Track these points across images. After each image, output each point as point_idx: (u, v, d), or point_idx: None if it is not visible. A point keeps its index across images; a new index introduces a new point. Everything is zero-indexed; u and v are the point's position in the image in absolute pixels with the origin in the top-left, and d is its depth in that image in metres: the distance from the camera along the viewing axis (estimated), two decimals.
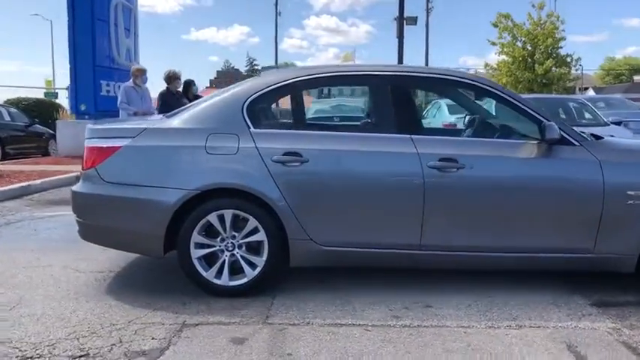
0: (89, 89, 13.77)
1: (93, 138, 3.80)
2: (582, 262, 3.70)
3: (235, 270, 3.66)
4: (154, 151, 3.68)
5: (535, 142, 3.67)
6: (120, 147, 3.67)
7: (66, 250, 4.76)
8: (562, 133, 3.62)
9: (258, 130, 3.67)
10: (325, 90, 4.25)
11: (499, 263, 3.73)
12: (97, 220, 3.77)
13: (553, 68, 24.46)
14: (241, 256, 3.64)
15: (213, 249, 3.64)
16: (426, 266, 3.79)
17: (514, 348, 2.94)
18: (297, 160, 3.58)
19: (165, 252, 3.66)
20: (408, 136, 3.65)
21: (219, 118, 3.74)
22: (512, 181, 3.64)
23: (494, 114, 4.74)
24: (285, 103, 4.02)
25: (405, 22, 21.88)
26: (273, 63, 36.52)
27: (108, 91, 14.13)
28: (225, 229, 3.61)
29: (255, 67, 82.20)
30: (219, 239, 3.63)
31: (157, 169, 3.65)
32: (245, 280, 3.64)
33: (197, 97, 9.42)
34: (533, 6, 24.75)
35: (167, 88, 8.63)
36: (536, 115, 3.70)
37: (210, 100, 3.88)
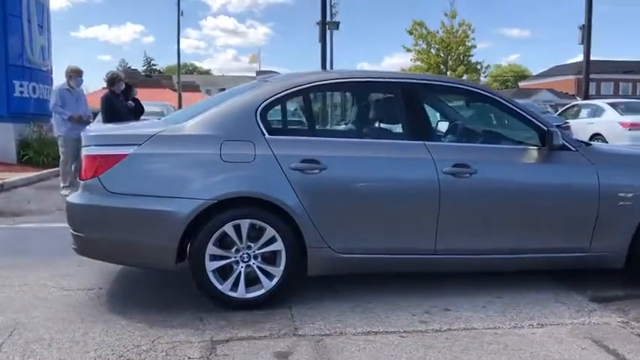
0: (2, 90, 12.70)
1: (93, 145, 3.52)
2: (579, 261, 3.92)
3: (250, 281, 3.53)
4: (166, 159, 3.48)
5: (536, 147, 3.85)
6: (126, 155, 3.43)
7: (34, 266, 4.38)
8: (563, 139, 3.82)
9: (273, 137, 3.56)
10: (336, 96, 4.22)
11: (506, 264, 3.87)
12: (100, 234, 3.49)
13: (465, 75, 25.76)
14: (258, 267, 3.52)
15: (229, 260, 3.50)
16: (439, 270, 3.86)
17: (549, 347, 3.05)
18: (316, 168, 3.52)
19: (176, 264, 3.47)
20: (422, 142, 3.71)
21: (232, 124, 3.59)
22: (519, 185, 3.79)
23: (494, 121, 4.91)
24: (300, 108, 3.94)
25: (327, 26, 22.30)
26: (171, 63, 35.47)
27: (22, 92, 13.12)
28: (241, 240, 3.48)
29: (154, 67, 77.17)
30: (234, 250, 3.49)
31: (168, 179, 3.45)
32: (262, 291, 3.52)
33: (136, 100, 9.02)
34: (446, 14, 26.03)
35: (111, 90, 8.15)
36: (538, 123, 3.88)
37: (221, 106, 3.71)
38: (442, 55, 25.53)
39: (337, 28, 23.10)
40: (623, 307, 3.70)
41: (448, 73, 25.55)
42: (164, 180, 3.45)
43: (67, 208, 3.58)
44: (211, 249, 3.44)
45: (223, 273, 3.49)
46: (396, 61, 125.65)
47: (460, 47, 25.18)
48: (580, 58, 25.78)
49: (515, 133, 4.05)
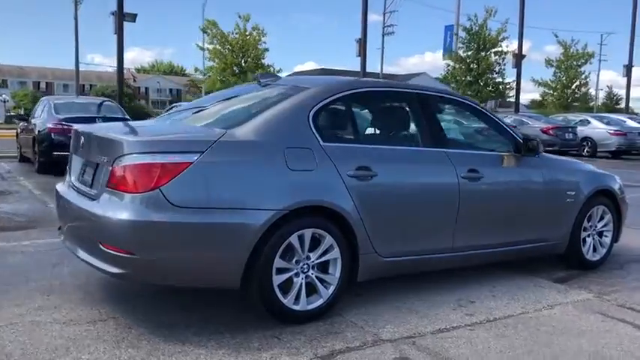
0: None
1: (146, 153, 3.04)
2: (542, 249, 4.66)
3: (307, 293, 3.44)
4: (232, 167, 3.19)
5: (510, 153, 4.45)
6: (189, 163, 3.05)
7: None
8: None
9: (328, 144, 3.52)
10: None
11: (502, 256, 4.42)
12: (161, 254, 3.04)
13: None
14: (316, 277, 3.45)
15: (291, 273, 3.36)
16: (457, 266, 4.24)
17: (578, 323, 3.62)
18: (368, 175, 3.59)
19: None
20: (444, 150, 4.03)
21: (289, 130, 3.45)
22: (511, 185, 4.39)
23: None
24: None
25: (124, 17, 20.86)
26: None
27: None
28: (303, 250, 3.37)
29: None
30: (294, 261, 3.36)
31: (236, 188, 3.18)
32: (321, 301, 3.46)
33: None
34: (240, 17, 26.38)
35: None
36: (514, 134, 4.51)
37: (272, 110, 3.50)
38: (235, 56, 25.88)
39: (134, 20, 21.71)
40: (581, 285, 4.50)
41: (247, 73, 26.07)
42: (232, 190, 3.17)
43: (107, 225, 3.03)
44: (278, 262, 3.28)
45: (285, 287, 3.34)
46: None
47: (255, 50, 25.89)
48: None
49: (491, 141, 4.60)
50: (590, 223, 4.92)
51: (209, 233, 3.09)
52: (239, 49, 25.68)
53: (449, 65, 32.77)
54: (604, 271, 4.93)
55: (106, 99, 14.19)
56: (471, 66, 31.41)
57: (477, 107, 4.56)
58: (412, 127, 4.03)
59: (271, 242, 3.22)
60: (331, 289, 3.49)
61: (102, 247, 3.08)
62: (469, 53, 31.73)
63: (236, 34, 26.12)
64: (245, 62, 26.28)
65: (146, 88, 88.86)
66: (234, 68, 26.28)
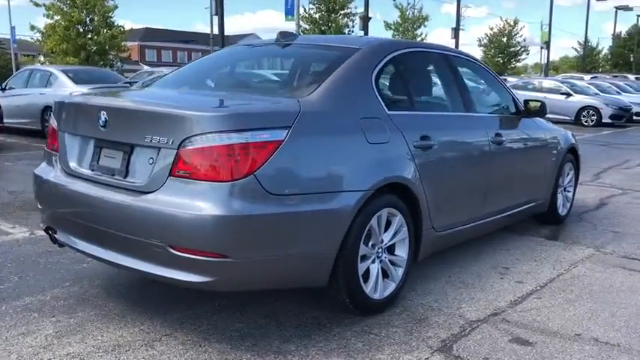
0: None
1: (230, 131, 2.40)
2: (535, 209, 4.77)
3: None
4: (319, 143, 2.71)
5: (517, 115, 4.43)
6: (280, 141, 2.50)
7: None
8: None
9: (393, 113, 3.15)
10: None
11: (515, 218, 4.45)
12: (259, 253, 2.49)
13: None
14: (389, 260, 3.12)
15: (370, 260, 2.99)
16: (487, 232, 4.15)
17: (613, 279, 3.75)
18: (429, 145, 3.30)
19: None
20: (477, 115, 3.88)
21: (359, 98, 3.01)
22: (523, 145, 4.41)
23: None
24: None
25: None
26: None
27: None
28: (380, 232, 3.01)
29: None
30: (370, 246, 2.99)
31: (326, 169, 2.72)
32: (393, 286, 3.16)
33: None
34: None
35: None
36: (514, 95, 4.48)
37: (336, 75, 2.99)
38: (80, 13, 22.98)
39: None
40: (572, 240, 4.69)
41: (95, 35, 23.45)
42: (321, 171, 2.70)
43: (185, 223, 2.38)
44: (363, 249, 2.89)
45: (364, 275, 2.97)
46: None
47: (102, 7, 23.18)
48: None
49: (501, 103, 4.52)
50: (561, 180, 5.14)
51: (305, 223, 2.60)
52: (82, 4, 22.90)
53: (300, 27, 32.62)
54: (572, 224, 5.21)
55: None
56: (322, 28, 31.63)
57: (486, 69, 4.45)
58: (454, 91, 3.78)
59: (357, 227, 2.81)
60: (400, 271, 3.19)
61: (174, 252, 2.42)
62: (319, 15, 31.87)
63: None
64: (91, 20, 23.57)
65: None
66: (79, 27, 23.55)
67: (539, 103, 4.42)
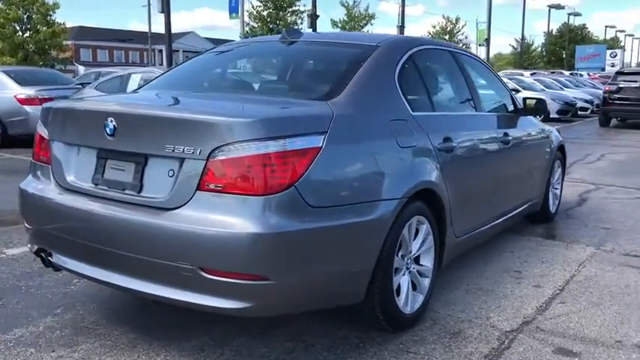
0: None
1: (266, 139, 2.14)
2: (530, 209, 4.69)
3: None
4: (354, 149, 2.49)
5: (515, 114, 4.35)
6: (319, 148, 2.26)
7: None
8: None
9: (417, 114, 2.96)
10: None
11: (516, 219, 4.34)
12: (304, 274, 2.23)
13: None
14: (417, 271, 2.94)
15: (401, 272, 2.80)
16: (496, 233, 4.04)
17: (625, 279, 3.71)
18: (451, 147, 3.14)
19: None
20: (488, 114, 3.78)
21: (386, 99, 2.81)
22: (526, 143, 4.33)
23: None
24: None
25: None
26: None
27: None
28: (409, 242, 2.82)
29: None
30: (400, 257, 2.80)
31: (362, 177, 2.50)
32: (421, 298, 2.98)
33: None
34: None
35: None
36: (511, 93, 4.40)
37: (360, 75, 2.76)
38: (18, 10, 21.76)
39: None
40: (569, 239, 4.65)
41: (34, 34, 22.20)
42: (358, 180, 2.49)
43: (218, 243, 2.11)
44: (396, 261, 2.69)
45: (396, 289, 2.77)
46: None
47: (41, 6, 22.03)
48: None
49: (502, 102, 4.41)
50: (551, 178, 5.11)
51: (346, 237, 2.38)
52: (19, 1, 21.63)
53: (248, 24, 32.21)
54: (562, 222, 5.19)
55: None
56: (270, 25, 31.28)
57: (487, 66, 4.35)
58: (465, 89, 3.63)
59: (391, 238, 2.62)
60: (427, 282, 3.02)
61: (206, 276, 2.15)
62: (267, 12, 31.50)
63: None
64: (29, 18, 22.33)
65: None
66: (15, 25, 22.27)
67: (534, 101, 4.36)
